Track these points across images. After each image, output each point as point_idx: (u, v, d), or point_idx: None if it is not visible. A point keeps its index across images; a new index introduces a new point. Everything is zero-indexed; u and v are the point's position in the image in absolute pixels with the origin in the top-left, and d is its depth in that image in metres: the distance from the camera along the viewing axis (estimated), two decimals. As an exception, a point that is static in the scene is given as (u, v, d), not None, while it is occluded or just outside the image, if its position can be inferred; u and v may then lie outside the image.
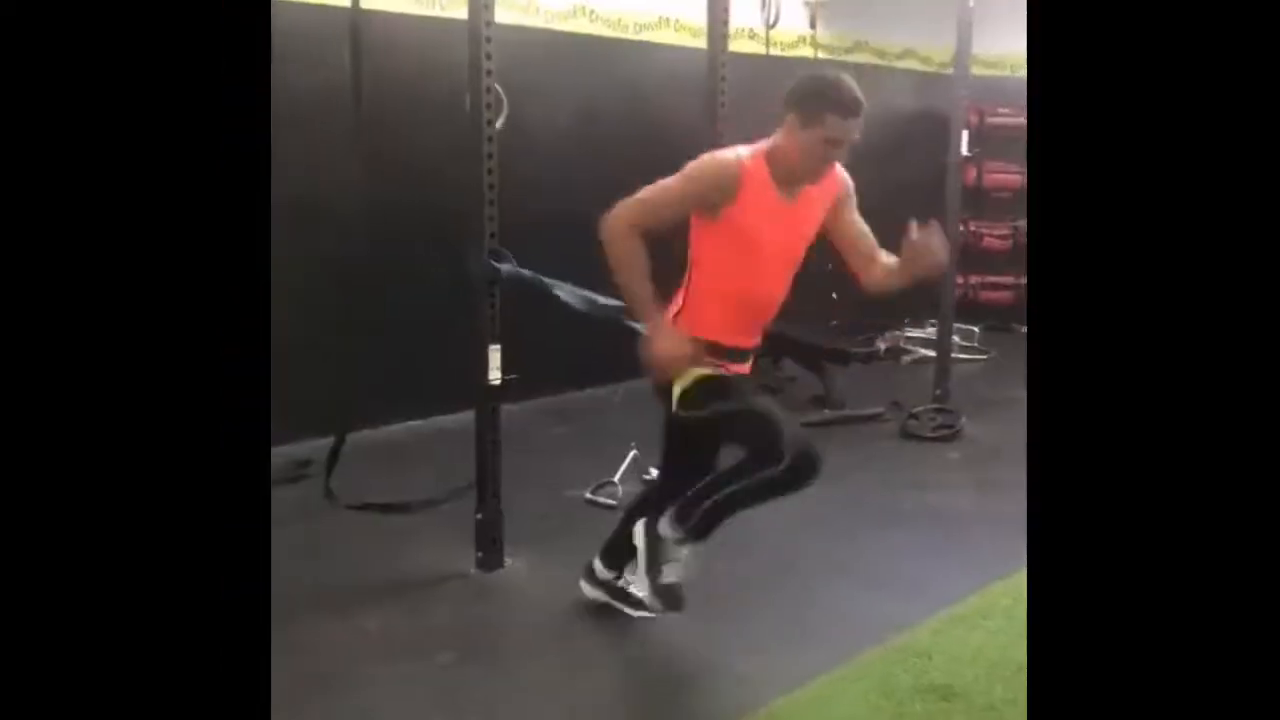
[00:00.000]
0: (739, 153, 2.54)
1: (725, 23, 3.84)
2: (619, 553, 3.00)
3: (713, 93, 3.82)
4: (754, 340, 2.71)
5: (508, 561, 3.39)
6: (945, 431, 4.89)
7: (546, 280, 3.10)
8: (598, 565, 3.08)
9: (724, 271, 2.59)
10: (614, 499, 3.96)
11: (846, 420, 5.06)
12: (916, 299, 5.89)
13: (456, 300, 3.37)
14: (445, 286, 3.70)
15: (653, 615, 2.87)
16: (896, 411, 5.15)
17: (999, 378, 6.12)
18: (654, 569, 2.77)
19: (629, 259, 2.49)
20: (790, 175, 2.54)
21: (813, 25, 6.55)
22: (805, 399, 5.37)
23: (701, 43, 4.06)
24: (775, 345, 5.11)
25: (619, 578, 3.04)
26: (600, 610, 3.07)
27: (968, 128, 7.52)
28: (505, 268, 3.18)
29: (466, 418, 3.39)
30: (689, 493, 2.66)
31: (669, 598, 2.76)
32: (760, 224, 2.54)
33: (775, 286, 2.66)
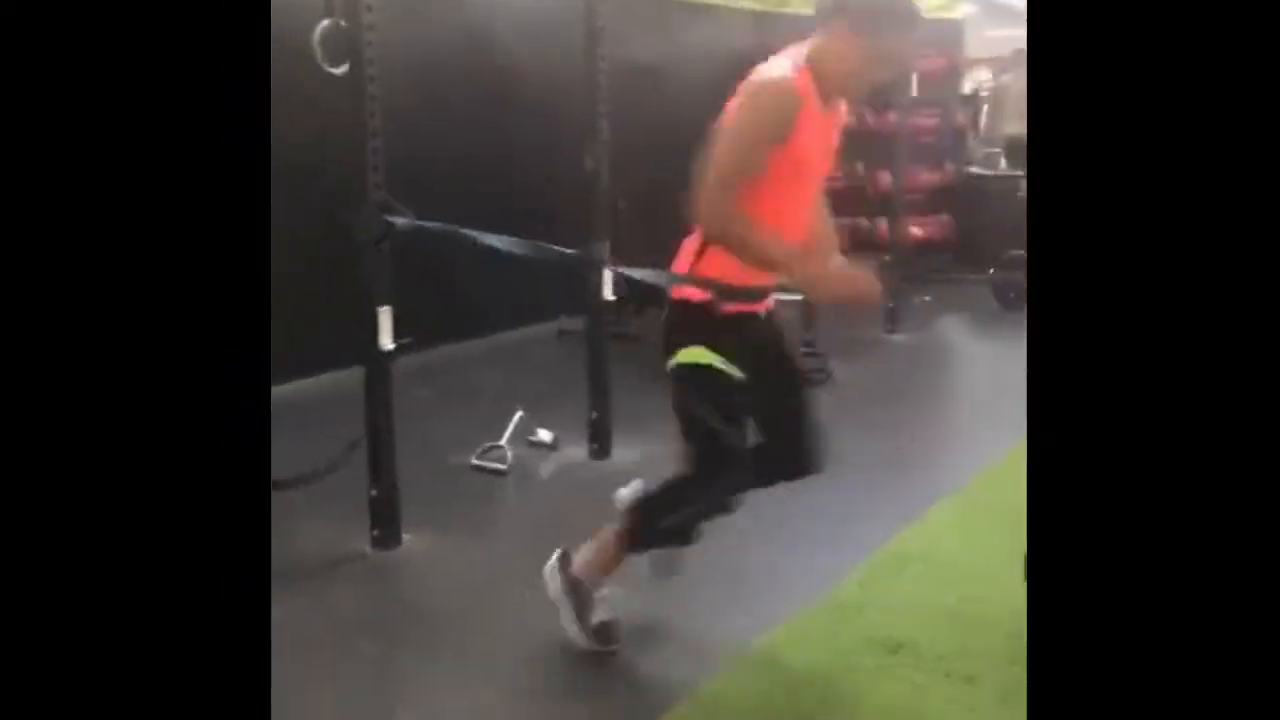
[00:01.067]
0: (785, 67, 2.26)
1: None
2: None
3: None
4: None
5: (405, 538, 3.16)
6: (817, 376, 4.87)
7: (467, 231, 2.78)
8: (579, 560, 2.62)
9: (771, 202, 2.29)
10: (503, 463, 3.76)
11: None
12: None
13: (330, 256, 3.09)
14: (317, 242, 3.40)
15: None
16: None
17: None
18: (583, 614, 2.56)
19: (749, 239, 2.23)
20: (835, 88, 2.30)
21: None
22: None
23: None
24: (642, 292, 4.97)
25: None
26: (520, 584, 2.87)
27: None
28: (401, 221, 2.90)
29: (350, 376, 3.13)
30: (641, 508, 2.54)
31: (606, 636, 2.56)
32: (812, 144, 2.30)
33: (812, 209, 2.45)
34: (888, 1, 2.26)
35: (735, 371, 2.36)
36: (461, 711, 2.38)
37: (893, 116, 6.63)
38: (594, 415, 3.85)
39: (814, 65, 2.26)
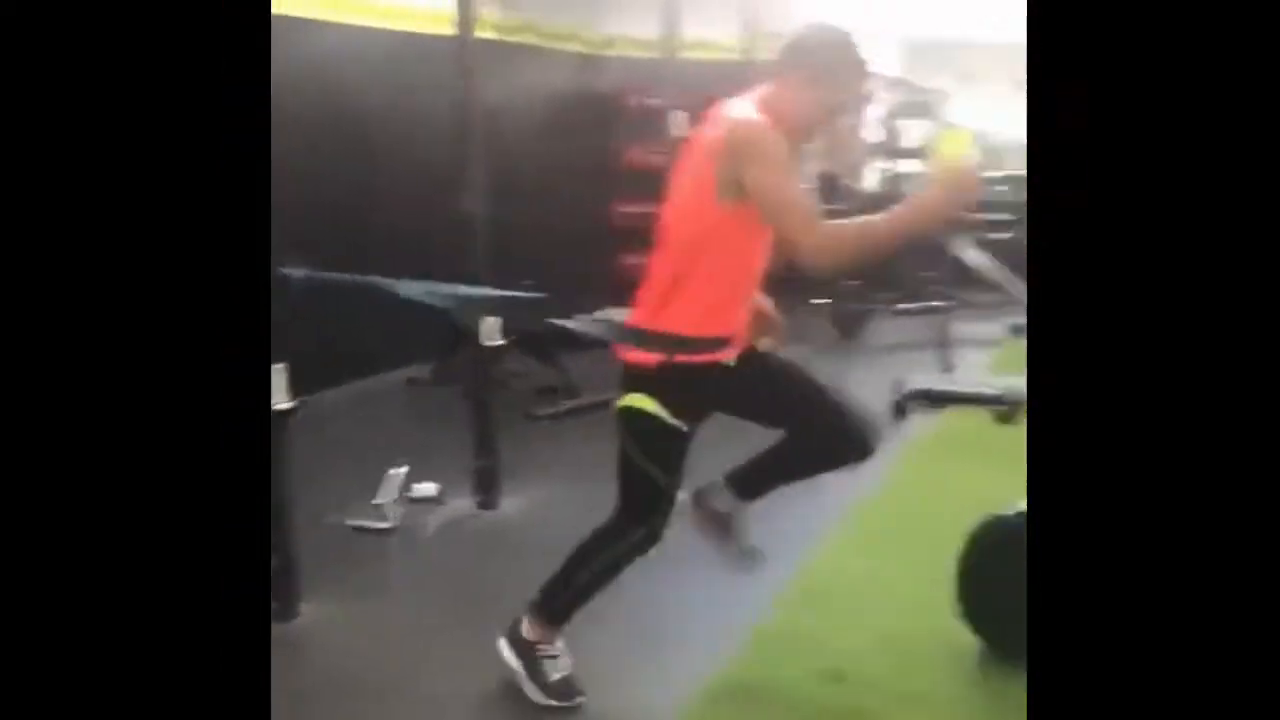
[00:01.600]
0: (750, 112, 2.26)
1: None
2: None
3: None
4: (742, 320, 2.44)
5: (302, 608, 2.95)
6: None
7: (377, 280, 2.63)
8: (524, 626, 2.54)
9: (747, 253, 2.31)
10: (385, 521, 3.57)
11: (584, 409, 4.93)
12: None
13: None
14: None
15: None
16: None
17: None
18: (537, 675, 2.49)
19: (852, 239, 2.22)
20: (787, 132, 2.26)
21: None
22: (533, 391, 5.16)
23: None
24: (534, 339, 4.90)
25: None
26: (426, 647, 2.70)
27: (626, 111, 7.67)
28: (297, 274, 2.73)
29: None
30: (551, 580, 2.50)
31: (565, 692, 2.48)
32: None
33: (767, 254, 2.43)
34: (844, 55, 2.31)
35: (677, 422, 2.34)
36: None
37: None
38: (481, 464, 3.71)
39: (771, 111, 2.26)
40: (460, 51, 3.55)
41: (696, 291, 2.29)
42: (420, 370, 5.60)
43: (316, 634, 2.88)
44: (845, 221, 2.25)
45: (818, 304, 7.13)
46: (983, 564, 2.63)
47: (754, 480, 2.58)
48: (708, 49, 7.44)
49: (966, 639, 2.65)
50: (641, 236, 8.16)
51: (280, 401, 2.80)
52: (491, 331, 3.62)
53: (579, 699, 2.47)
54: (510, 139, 6.11)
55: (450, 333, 5.23)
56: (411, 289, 2.70)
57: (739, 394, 2.43)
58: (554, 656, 2.49)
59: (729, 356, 2.39)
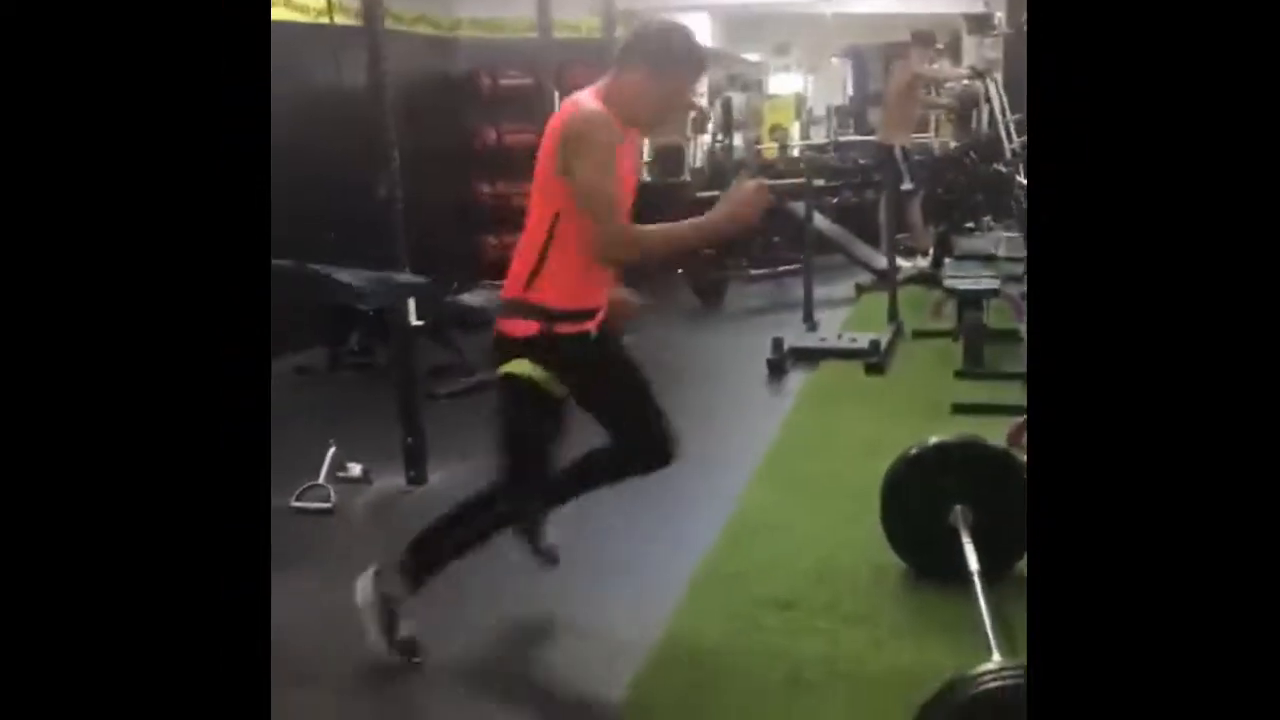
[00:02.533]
0: (594, 103, 2.45)
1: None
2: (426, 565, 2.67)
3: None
4: (605, 294, 2.64)
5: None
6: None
7: (315, 267, 2.75)
8: (387, 579, 2.66)
9: None
10: (326, 501, 3.67)
11: (481, 386, 5.06)
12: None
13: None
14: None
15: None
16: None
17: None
18: (388, 628, 2.64)
19: (649, 239, 2.51)
20: (631, 119, 2.50)
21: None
22: (428, 370, 5.26)
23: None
24: (450, 316, 4.98)
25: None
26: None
27: (478, 92, 7.77)
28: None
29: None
30: (422, 536, 2.66)
31: (407, 650, 2.65)
32: (626, 170, 2.51)
33: None
34: (683, 48, 2.54)
35: (554, 387, 2.53)
36: None
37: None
38: (408, 440, 3.84)
39: (611, 101, 2.46)
40: (371, 40, 3.63)
41: (556, 266, 2.48)
42: (309, 358, 5.61)
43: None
44: (644, 227, 2.50)
45: (679, 274, 7.42)
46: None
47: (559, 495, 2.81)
48: (560, 28, 7.59)
49: (894, 562, 2.99)
50: (500, 216, 8.34)
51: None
52: (413, 313, 3.75)
53: (417, 660, 2.64)
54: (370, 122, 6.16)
55: (341, 319, 5.30)
56: (345, 275, 2.84)
57: (594, 368, 2.59)
58: (401, 614, 2.64)
59: (592, 327, 2.57)
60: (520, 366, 2.51)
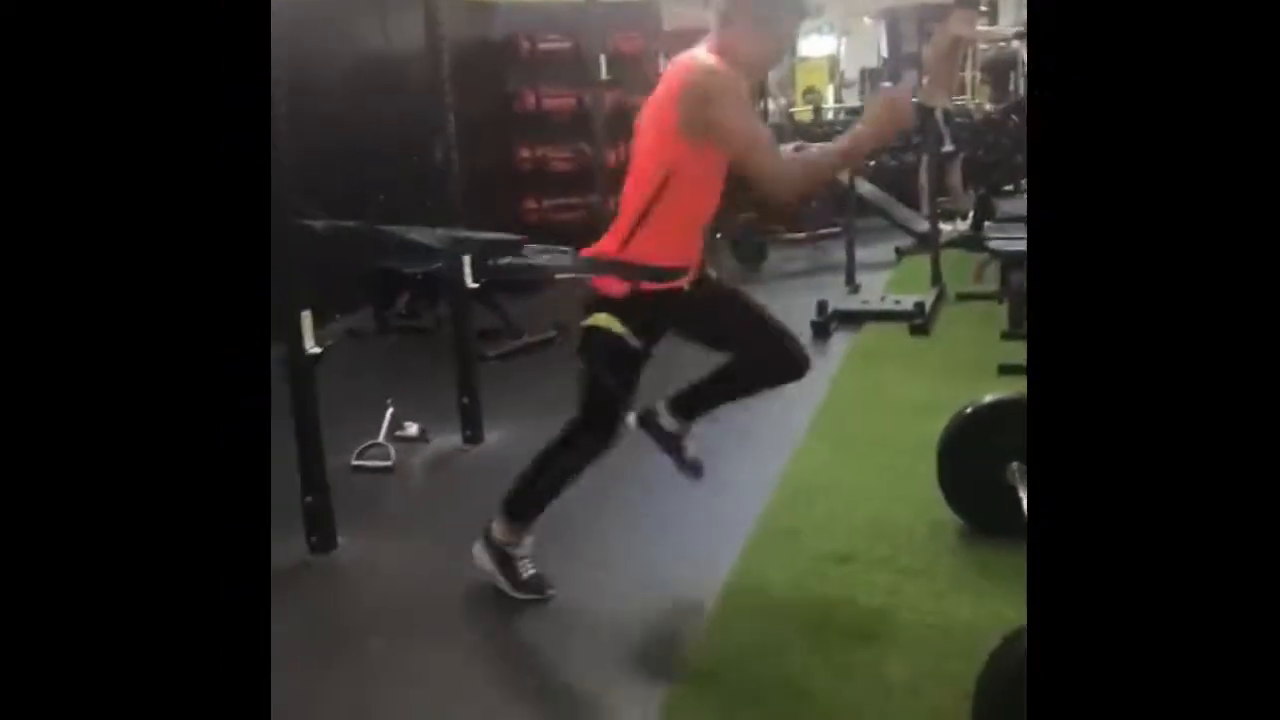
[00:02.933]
0: (708, 57, 2.50)
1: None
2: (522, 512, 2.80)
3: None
4: (698, 251, 2.69)
5: (340, 542, 3.14)
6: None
7: (389, 228, 2.81)
8: (495, 529, 2.82)
9: (706, 188, 2.58)
10: (387, 459, 3.75)
11: (529, 348, 5.15)
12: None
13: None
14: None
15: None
16: (562, 332, 5.28)
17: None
18: (510, 574, 2.79)
19: (815, 167, 2.57)
20: (743, 72, 2.52)
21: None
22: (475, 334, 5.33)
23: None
24: (500, 281, 5.01)
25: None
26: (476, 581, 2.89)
27: (518, 56, 7.78)
28: (319, 224, 2.88)
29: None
30: (515, 485, 2.78)
31: (537, 586, 2.79)
32: None
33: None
34: (783, 1, 2.58)
35: (637, 342, 2.59)
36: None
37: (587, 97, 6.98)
38: (464, 401, 3.92)
39: (726, 57, 2.50)
40: (428, 4, 3.67)
41: (659, 225, 2.54)
42: (359, 321, 5.70)
43: (358, 565, 3.08)
44: (800, 154, 2.59)
45: (718, 238, 7.45)
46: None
47: (695, 402, 2.89)
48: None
49: (949, 519, 3.04)
50: (541, 179, 8.38)
51: (311, 346, 2.96)
52: (470, 274, 3.81)
53: (550, 592, 2.79)
54: (417, 87, 6.22)
55: (388, 282, 5.37)
56: (416, 234, 2.91)
57: (693, 318, 2.72)
58: (525, 556, 2.80)
59: (685, 284, 2.66)
60: (602, 320, 2.58)
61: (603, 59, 6.43)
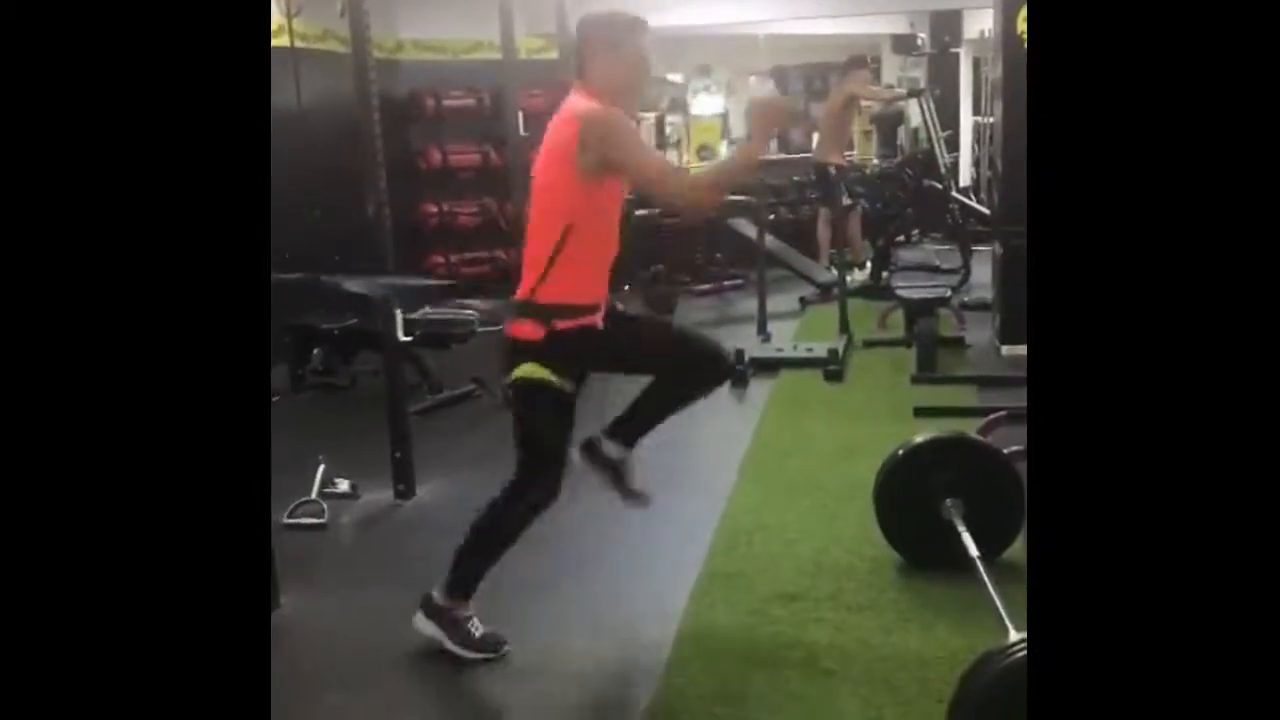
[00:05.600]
0: (587, 102, 2.60)
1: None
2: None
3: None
4: (605, 288, 2.76)
5: (283, 600, 3.08)
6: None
7: (327, 279, 2.80)
8: (437, 596, 2.80)
9: (605, 225, 2.67)
10: (319, 516, 3.70)
11: (450, 401, 5.13)
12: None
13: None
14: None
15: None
16: (481, 386, 5.26)
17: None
18: (461, 637, 2.76)
19: (711, 179, 2.77)
20: (614, 100, 2.62)
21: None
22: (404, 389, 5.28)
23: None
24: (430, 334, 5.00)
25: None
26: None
27: (422, 113, 7.81)
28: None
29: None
30: (459, 556, 2.77)
31: (491, 645, 2.77)
32: None
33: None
34: (620, 18, 2.72)
35: (566, 385, 2.65)
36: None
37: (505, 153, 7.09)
38: (396, 455, 3.89)
39: (595, 94, 2.63)
40: (358, 65, 3.69)
41: (569, 267, 2.62)
42: (273, 379, 5.59)
43: (297, 623, 3.02)
44: (696, 170, 2.72)
45: (630, 289, 7.54)
46: None
47: (634, 426, 2.93)
48: (485, 49, 7.67)
49: (887, 555, 3.14)
50: (446, 234, 8.36)
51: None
52: (401, 327, 3.80)
53: (506, 648, 2.77)
54: (324, 140, 6.20)
55: (303, 338, 5.29)
56: (354, 284, 2.92)
57: (609, 351, 2.79)
58: (470, 615, 2.78)
59: (598, 320, 2.72)
60: (530, 370, 2.63)
61: (520, 115, 6.53)
